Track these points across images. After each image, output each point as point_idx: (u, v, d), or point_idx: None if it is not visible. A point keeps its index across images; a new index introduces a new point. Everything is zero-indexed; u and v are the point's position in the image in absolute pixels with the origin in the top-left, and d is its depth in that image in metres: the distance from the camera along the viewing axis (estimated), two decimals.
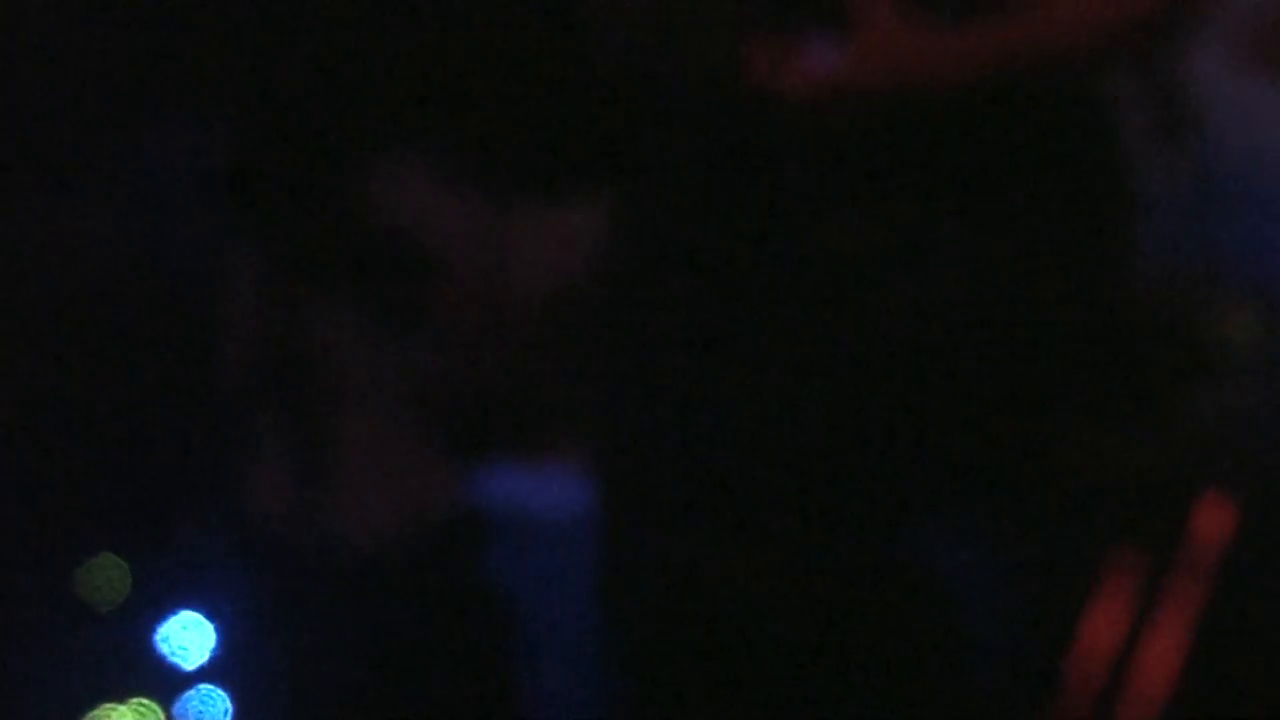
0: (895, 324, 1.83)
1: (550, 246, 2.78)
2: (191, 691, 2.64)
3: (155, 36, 2.85)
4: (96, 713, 2.59)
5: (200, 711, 2.61)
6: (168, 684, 2.67)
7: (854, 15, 1.72)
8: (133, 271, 2.87)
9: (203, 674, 2.68)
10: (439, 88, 2.85)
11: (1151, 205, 2.08)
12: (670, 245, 2.01)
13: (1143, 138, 2.07)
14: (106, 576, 2.67)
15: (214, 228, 2.87)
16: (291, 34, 2.92)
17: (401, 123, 2.86)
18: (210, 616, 2.65)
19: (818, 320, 1.85)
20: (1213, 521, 1.98)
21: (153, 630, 2.69)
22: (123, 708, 2.61)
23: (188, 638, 2.68)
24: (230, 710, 2.62)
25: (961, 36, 1.77)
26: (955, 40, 1.77)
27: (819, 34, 1.76)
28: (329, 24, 2.90)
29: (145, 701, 2.61)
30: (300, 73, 2.88)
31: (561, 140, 2.78)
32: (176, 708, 2.61)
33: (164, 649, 2.69)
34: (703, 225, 1.93)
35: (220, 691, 2.63)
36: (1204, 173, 3.01)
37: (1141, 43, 1.99)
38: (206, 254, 2.86)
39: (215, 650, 2.65)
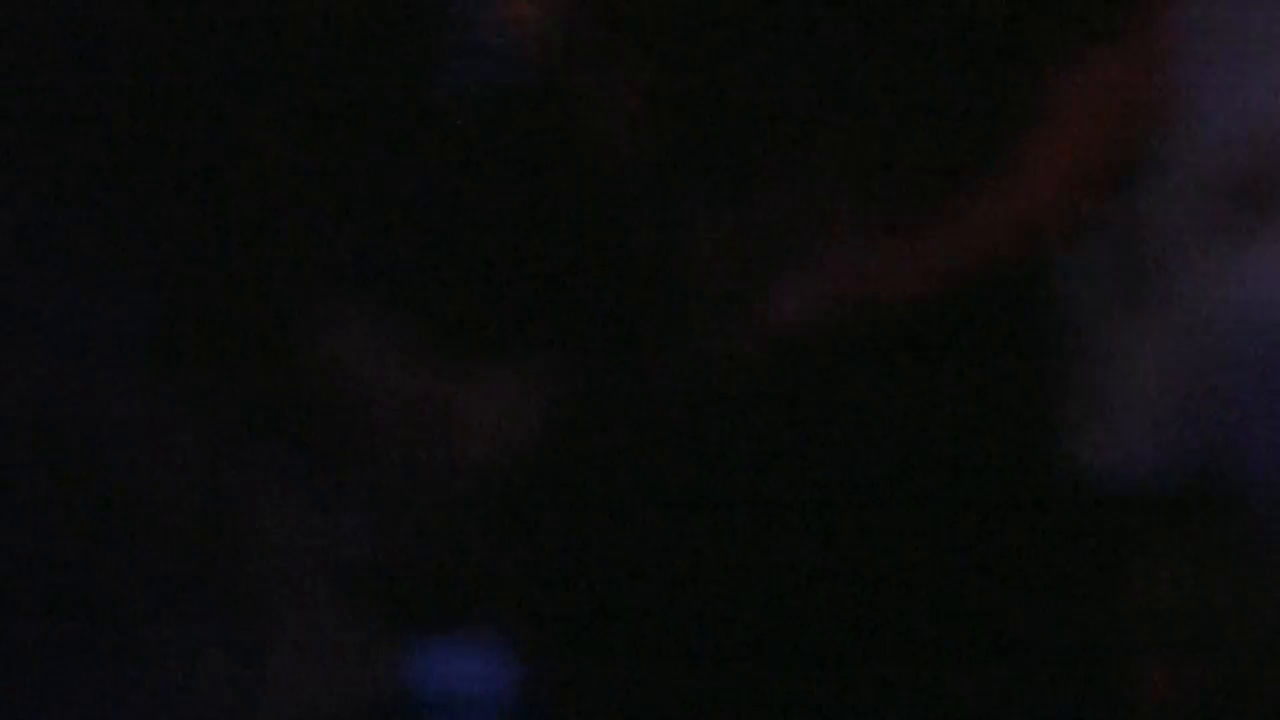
0: (836, 515, 1.82)
1: (488, 414, 2.76)
2: None
3: (86, 193, 2.90)
4: None
5: None
6: None
7: (826, 246, 1.79)
8: (59, 437, 2.88)
9: None
10: (380, 252, 2.89)
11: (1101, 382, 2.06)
12: (611, 416, 2.00)
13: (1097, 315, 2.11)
14: None
15: (144, 394, 2.88)
16: (226, 197, 2.95)
17: (339, 289, 2.88)
18: None
19: (758, 504, 1.85)
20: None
21: None
22: None
23: None
24: None
25: (923, 243, 1.82)
26: (918, 248, 1.82)
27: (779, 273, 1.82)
28: (270, 184, 2.95)
29: None
30: (235, 235, 2.90)
31: (503, 306, 2.73)
32: None
33: None
34: (643, 397, 1.94)
35: None
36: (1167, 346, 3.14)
37: (1098, 212, 2.01)
38: (137, 423, 2.89)
39: None
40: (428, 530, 2.82)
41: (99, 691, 2.79)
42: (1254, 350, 3.24)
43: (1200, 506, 3.09)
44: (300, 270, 2.91)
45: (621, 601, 1.92)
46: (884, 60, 1.88)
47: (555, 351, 2.20)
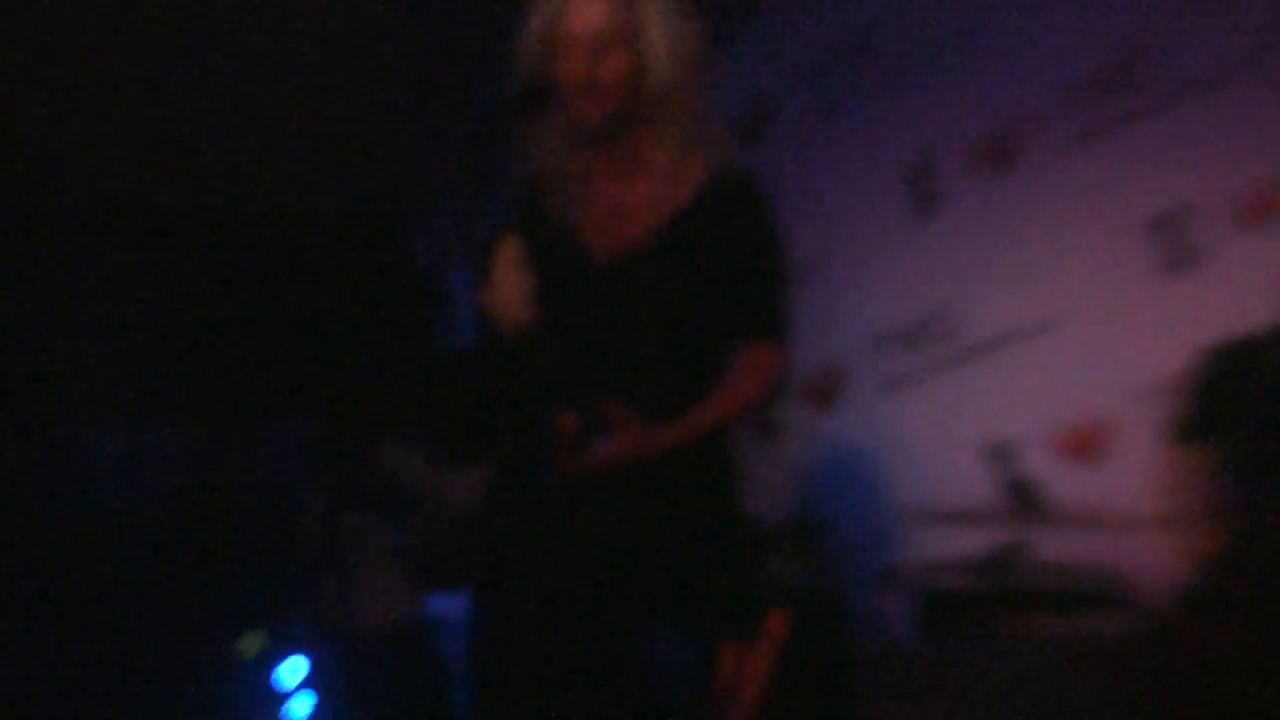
0: None
1: (469, 490, 4.65)
2: None
3: None
4: None
5: None
6: None
7: (612, 429, 2.59)
8: None
9: None
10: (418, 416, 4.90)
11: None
12: (517, 492, 2.82)
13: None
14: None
15: None
16: None
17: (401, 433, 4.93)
18: None
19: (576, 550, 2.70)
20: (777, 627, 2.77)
21: None
22: None
23: None
24: None
25: (665, 432, 2.63)
26: (661, 434, 2.63)
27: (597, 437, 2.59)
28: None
29: None
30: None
31: (478, 442, 4.66)
32: None
33: None
34: (533, 486, 2.75)
35: None
36: None
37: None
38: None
39: None
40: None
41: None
42: (833, 463, 4.93)
43: (803, 531, 4.74)
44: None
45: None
46: (646, 364, 2.68)
47: (497, 461, 3.06)
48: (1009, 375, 4.69)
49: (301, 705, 4.68)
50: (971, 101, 4.77)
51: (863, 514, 4.85)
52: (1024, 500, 3.44)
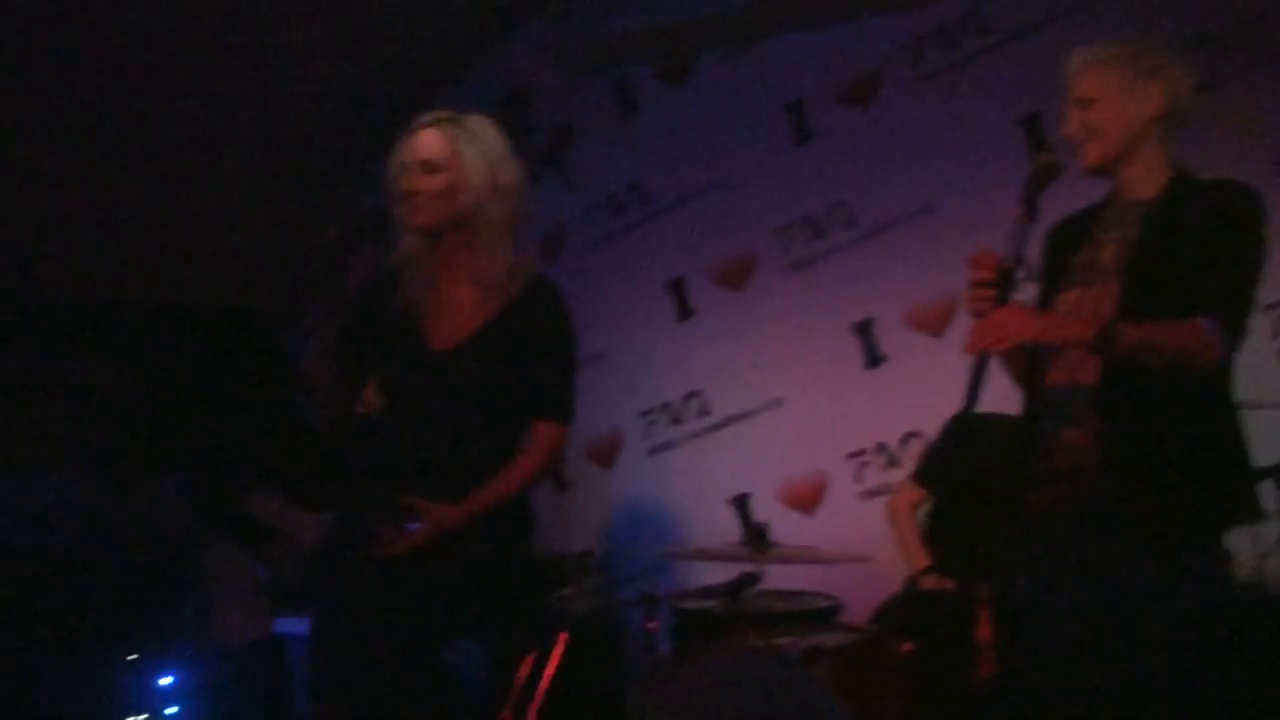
0: None
1: (315, 529, 4.54)
2: None
3: None
4: None
5: None
6: None
7: (425, 518, 2.52)
8: None
9: None
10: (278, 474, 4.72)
11: None
12: (344, 545, 2.70)
13: None
14: None
15: None
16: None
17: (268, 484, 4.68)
18: None
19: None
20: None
21: None
22: None
23: None
24: None
25: (467, 506, 2.57)
26: (464, 510, 2.57)
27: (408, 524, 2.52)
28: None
29: None
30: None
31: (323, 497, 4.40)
32: None
33: None
34: (352, 542, 2.62)
35: None
36: None
37: None
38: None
39: None
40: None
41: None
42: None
43: (587, 565, 4.74)
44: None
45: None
46: (463, 436, 2.61)
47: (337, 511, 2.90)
48: (748, 442, 4.73)
49: (171, 714, 4.34)
50: (717, 235, 4.83)
51: (635, 551, 4.82)
52: (758, 540, 3.37)
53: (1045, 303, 2.48)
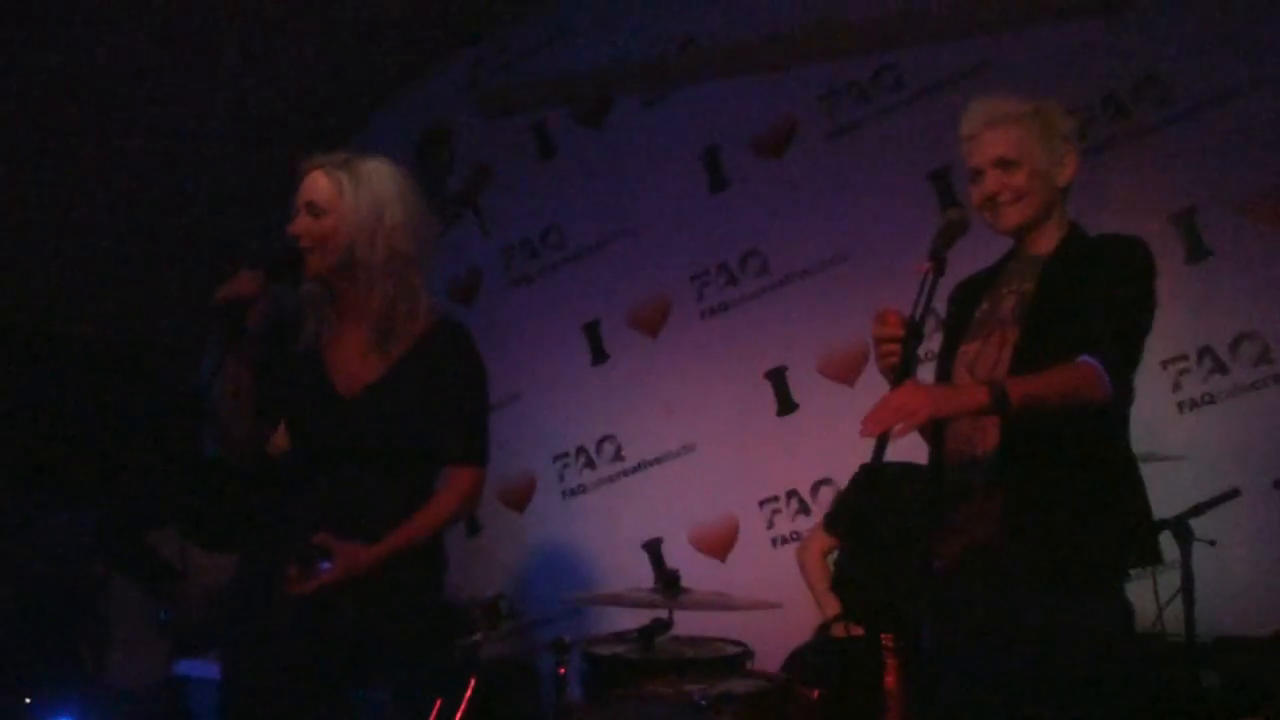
0: None
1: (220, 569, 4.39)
2: None
3: None
4: None
5: None
6: None
7: (337, 557, 2.45)
8: None
9: None
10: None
11: None
12: (257, 582, 2.59)
13: None
14: None
15: None
16: None
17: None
18: None
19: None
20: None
21: None
22: None
23: None
24: None
25: (378, 549, 2.49)
26: (375, 552, 2.49)
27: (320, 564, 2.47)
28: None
29: None
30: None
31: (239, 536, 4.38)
32: None
33: None
34: (270, 577, 2.52)
35: None
36: None
37: None
38: None
39: None
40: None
41: None
42: None
43: (498, 610, 4.79)
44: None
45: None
46: (373, 481, 2.56)
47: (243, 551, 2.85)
48: (661, 487, 4.73)
49: None
50: (632, 279, 4.86)
51: (547, 596, 4.81)
52: (670, 586, 3.29)
53: (948, 355, 2.55)
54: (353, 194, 2.56)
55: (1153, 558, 2.40)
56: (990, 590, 2.38)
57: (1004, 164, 2.46)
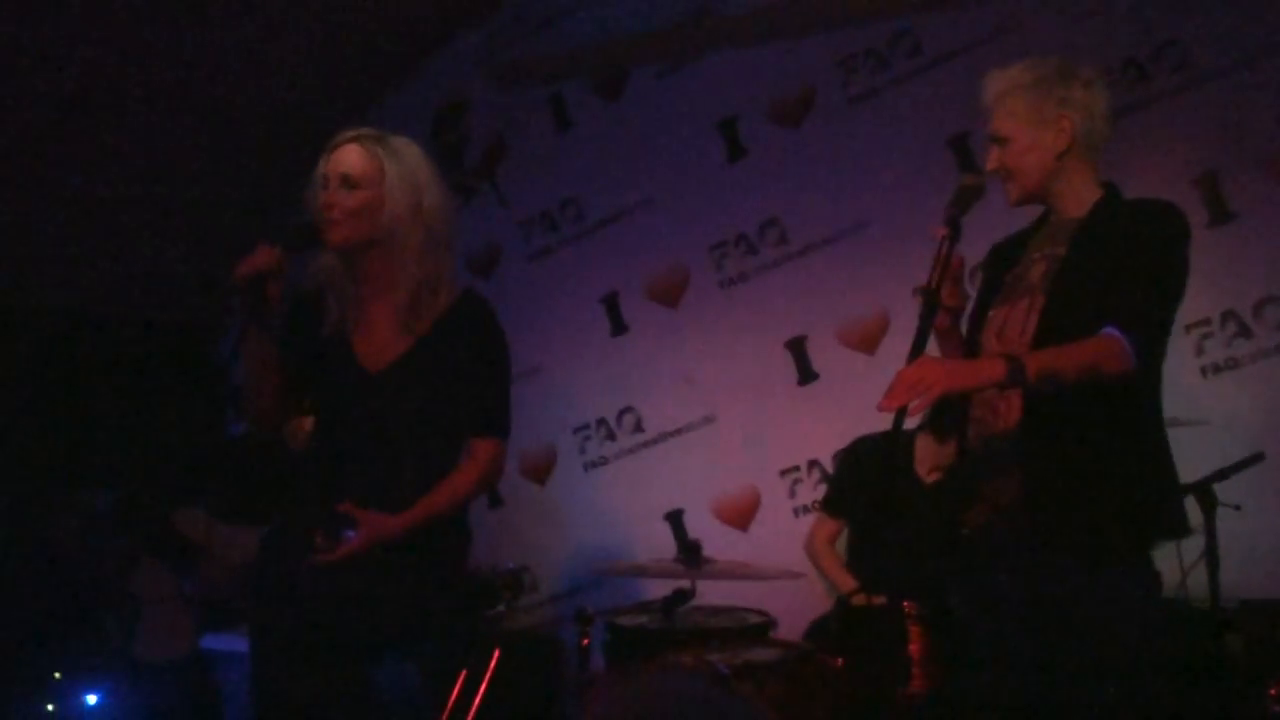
0: None
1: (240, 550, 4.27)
2: None
3: None
4: None
5: None
6: None
7: (361, 526, 2.46)
8: None
9: None
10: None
11: None
12: (275, 562, 2.61)
13: None
14: None
15: None
16: None
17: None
18: None
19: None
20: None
21: None
22: None
23: None
24: None
25: (402, 519, 2.50)
26: (399, 522, 2.50)
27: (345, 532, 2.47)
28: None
29: None
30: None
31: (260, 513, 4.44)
32: None
33: None
34: (287, 557, 2.55)
35: None
36: None
37: None
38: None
39: None
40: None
41: None
42: None
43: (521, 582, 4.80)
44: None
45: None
46: (400, 455, 2.57)
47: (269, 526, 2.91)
48: (681, 458, 4.72)
49: None
50: (651, 251, 4.85)
51: (569, 568, 4.82)
52: (692, 556, 3.30)
53: (978, 320, 2.53)
54: (391, 170, 2.54)
55: (1179, 531, 2.39)
56: (1014, 559, 2.39)
57: (998, 140, 2.47)
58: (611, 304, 4.93)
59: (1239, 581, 3.23)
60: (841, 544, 4.07)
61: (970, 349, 2.53)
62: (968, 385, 2.23)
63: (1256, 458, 3.27)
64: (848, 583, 3.75)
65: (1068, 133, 2.43)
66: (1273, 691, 2.87)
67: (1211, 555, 3.03)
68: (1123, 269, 2.28)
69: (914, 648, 2.98)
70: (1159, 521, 2.34)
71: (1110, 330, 2.21)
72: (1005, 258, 2.57)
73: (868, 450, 3.92)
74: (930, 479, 3.81)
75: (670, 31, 4.76)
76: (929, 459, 3.79)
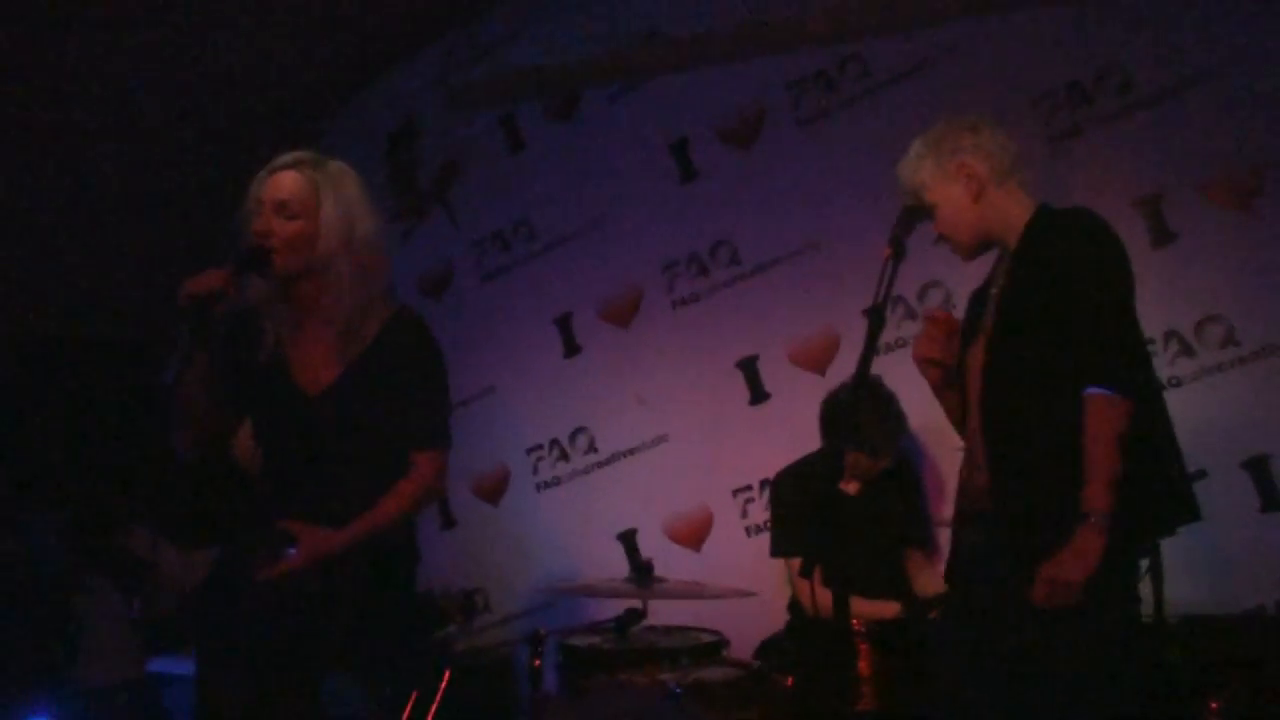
0: None
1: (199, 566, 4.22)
2: None
3: None
4: None
5: None
6: None
7: (302, 542, 2.47)
8: None
9: None
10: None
11: None
12: (230, 578, 2.64)
13: None
14: None
15: None
16: None
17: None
18: None
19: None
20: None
21: None
22: None
23: None
24: None
25: (343, 534, 2.51)
26: (339, 537, 2.51)
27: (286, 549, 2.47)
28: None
29: None
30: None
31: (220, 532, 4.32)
32: None
33: None
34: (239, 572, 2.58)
35: None
36: None
37: None
38: None
39: None
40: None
41: None
42: None
43: (474, 602, 4.78)
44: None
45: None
46: (339, 475, 2.56)
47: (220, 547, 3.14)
48: (634, 478, 4.72)
49: None
50: (603, 271, 4.85)
51: (522, 588, 4.82)
52: (644, 576, 3.30)
53: (960, 362, 2.63)
54: (329, 202, 2.55)
55: (1157, 530, 2.50)
56: (990, 573, 2.45)
57: (928, 211, 2.61)
58: (564, 324, 4.93)
59: (1183, 597, 3.22)
60: None
61: (962, 395, 2.61)
62: (1090, 570, 2.29)
63: (1199, 475, 3.32)
64: (889, 609, 3.59)
65: (974, 176, 2.55)
66: (1214, 706, 2.90)
67: (1156, 571, 3.04)
68: (1064, 317, 2.35)
69: (863, 665, 3.00)
70: (1133, 523, 2.39)
71: (1090, 391, 2.29)
72: (978, 299, 2.66)
73: (790, 484, 3.87)
74: (850, 489, 3.81)
75: (621, 53, 4.79)
76: (854, 470, 3.78)
